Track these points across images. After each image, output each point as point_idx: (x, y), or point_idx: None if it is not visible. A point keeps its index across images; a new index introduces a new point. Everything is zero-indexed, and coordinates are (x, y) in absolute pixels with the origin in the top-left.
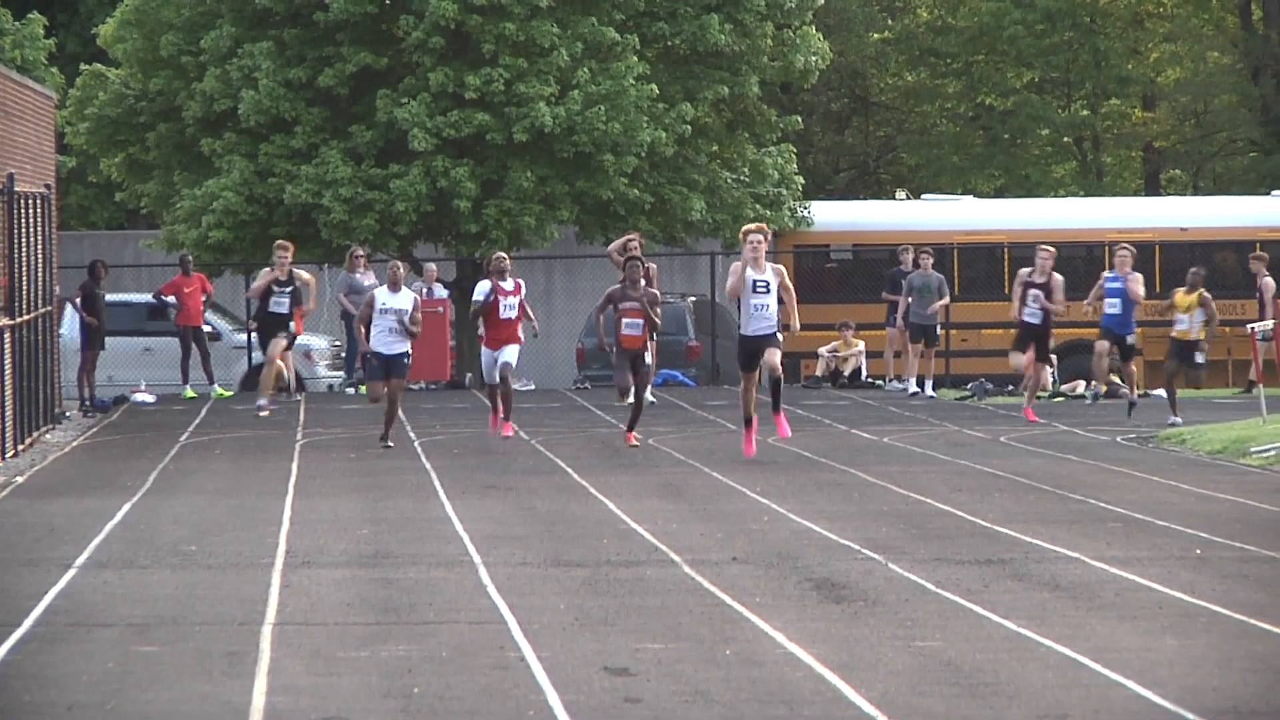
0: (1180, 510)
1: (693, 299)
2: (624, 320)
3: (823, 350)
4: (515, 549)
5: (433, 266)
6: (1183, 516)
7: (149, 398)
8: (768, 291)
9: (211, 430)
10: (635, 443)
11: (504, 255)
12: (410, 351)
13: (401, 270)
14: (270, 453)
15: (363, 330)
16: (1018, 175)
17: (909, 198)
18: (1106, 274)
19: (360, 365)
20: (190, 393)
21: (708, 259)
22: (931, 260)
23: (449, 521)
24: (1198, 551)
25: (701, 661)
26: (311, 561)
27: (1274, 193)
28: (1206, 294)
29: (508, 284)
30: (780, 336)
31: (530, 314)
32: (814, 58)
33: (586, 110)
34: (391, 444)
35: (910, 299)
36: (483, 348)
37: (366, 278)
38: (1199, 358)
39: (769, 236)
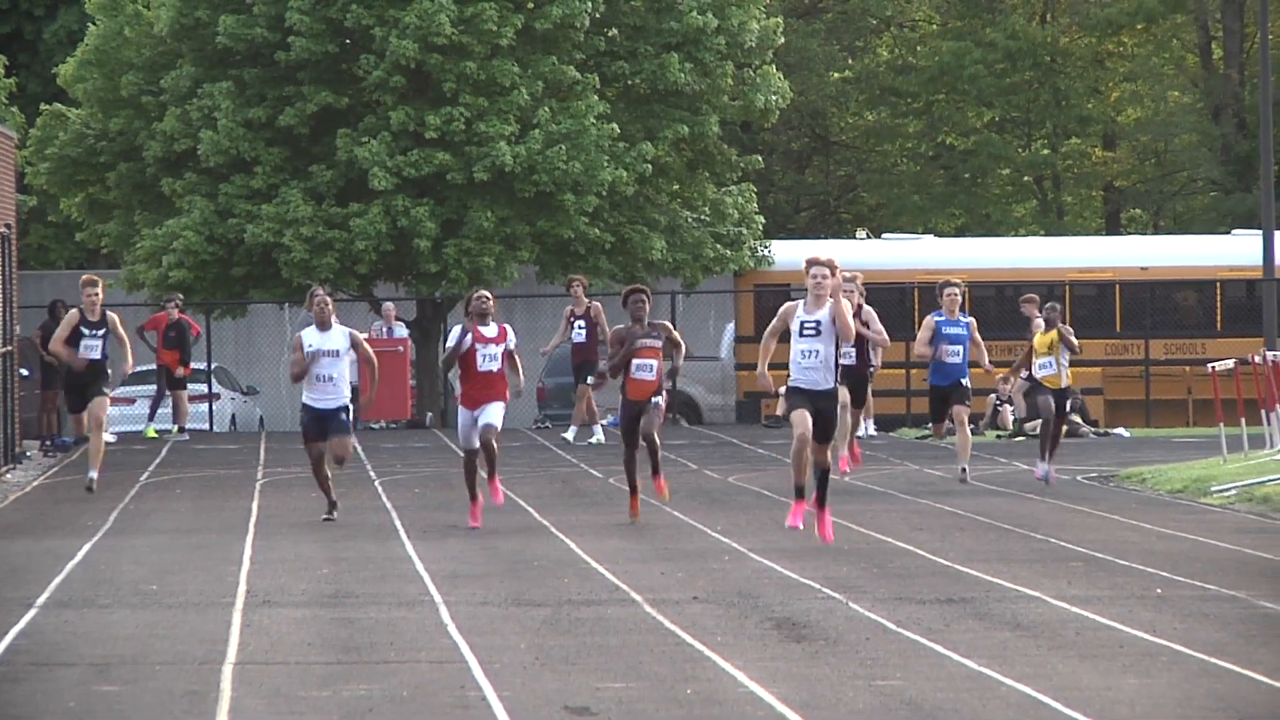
0: (1141, 549)
1: None
2: (634, 363)
3: (783, 390)
4: (476, 588)
5: (390, 305)
6: (1143, 555)
7: (110, 437)
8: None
9: (172, 469)
10: (666, 494)
11: (487, 295)
12: (350, 406)
13: (329, 305)
14: (231, 492)
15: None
16: (978, 214)
17: (869, 237)
18: (938, 317)
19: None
20: (151, 432)
21: (668, 298)
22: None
23: (410, 561)
24: (1158, 591)
25: (663, 701)
26: (272, 601)
27: (1234, 232)
28: (1066, 328)
29: (489, 329)
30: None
31: (518, 366)
32: (774, 97)
33: (547, 149)
34: (335, 516)
35: None
36: (460, 408)
37: None
38: (1068, 405)
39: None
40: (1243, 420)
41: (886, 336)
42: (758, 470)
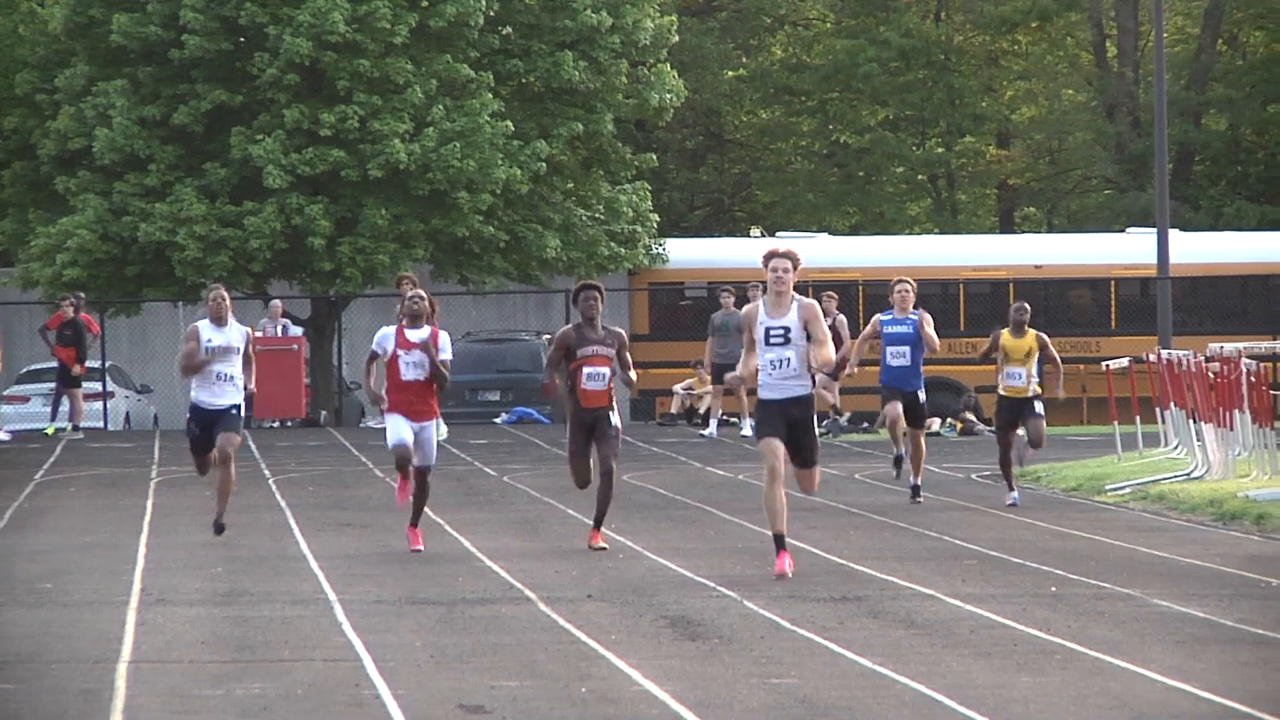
0: (1036, 547)
1: (548, 336)
2: (584, 371)
3: (677, 388)
4: (370, 586)
5: (278, 304)
6: (1038, 554)
7: (4, 435)
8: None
9: (67, 468)
10: (603, 544)
11: (421, 294)
12: (240, 405)
13: (227, 301)
14: (126, 490)
15: (192, 368)
16: (873, 213)
17: (764, 235)
18: (882, 316)
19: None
20: (51, 430)
21: (563, 296)
22: (733, 300)
23: (304, 559)
24: (1053, 589)
25: (557, 699)
26: (167, 599)
27: (1129, 230)
28: (1042, 335)
29: (417, 333)
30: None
31: (445, 372)
32: (669, 95)
33: (441, 147)
34: (225, 526)
35: (713, 338)
36: (387, 414)
37: None
38: (1039, 406)
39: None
40: (1137, 418)
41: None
42: (653, 469)
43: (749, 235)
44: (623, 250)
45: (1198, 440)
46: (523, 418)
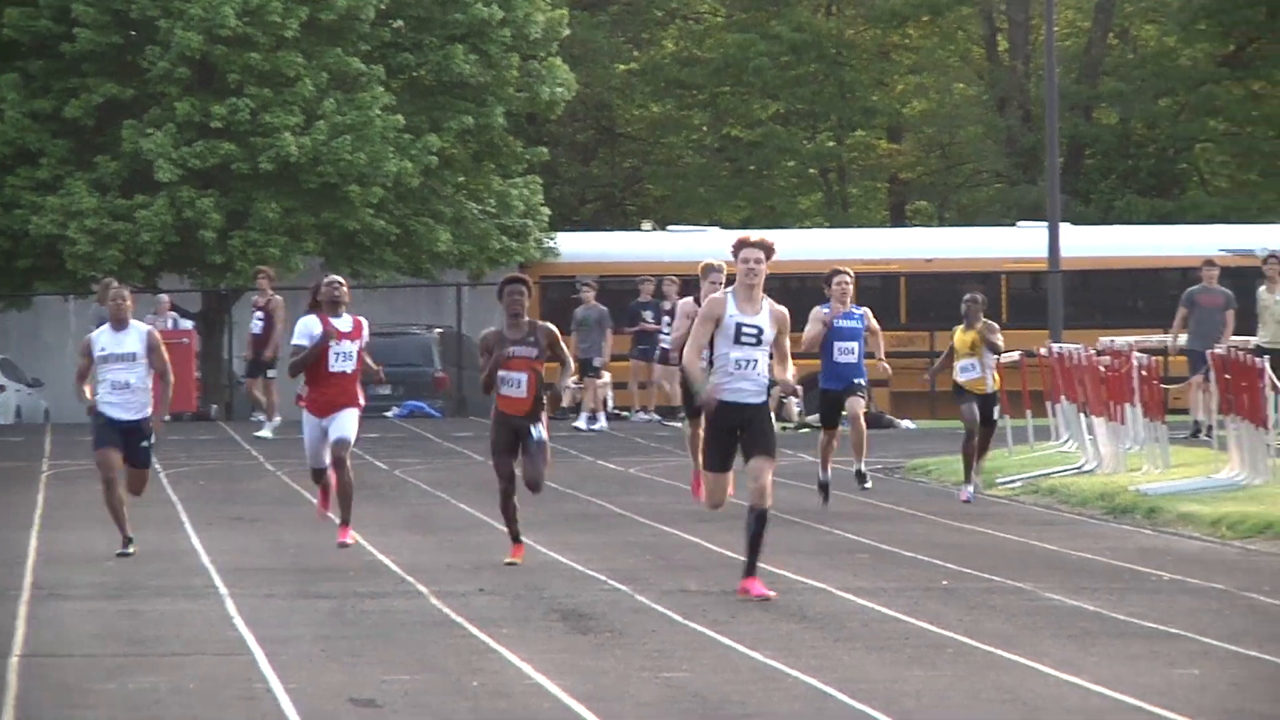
0: (927, 541)
1: (439, 330)
2: (500, 375)
3: (570, 381)
4: (262, 581)
5: (164, 298)
6: (930, 547)
7: None
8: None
9: None
10: (520, 559)
11: (339, 280)
12: (149, 418)
13: (127, 301)
14: (15, 484)
15: (86, 390)
16: (764, 206)
17: (655, 229)
18: (825, 309)
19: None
20: None
21: (454, 290)
22: (593, 293)
23: (195, 553)
24: (945, 582)
25: (449, 693)
26: (58, 594)
27: (1020, 224)
28: (989, 325)
29: (342, 322)
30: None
31: (372, 363)
32: (560, 89)
33: (332, 141)
34: (132, 551)
35: (576, 334)
36: (304, 413)
37: None
38: (995, 412)
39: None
40: (1028, 412)
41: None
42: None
43: (640, 229)
44: (514, 244)
45: (1089, 434)
46: (414, 412)
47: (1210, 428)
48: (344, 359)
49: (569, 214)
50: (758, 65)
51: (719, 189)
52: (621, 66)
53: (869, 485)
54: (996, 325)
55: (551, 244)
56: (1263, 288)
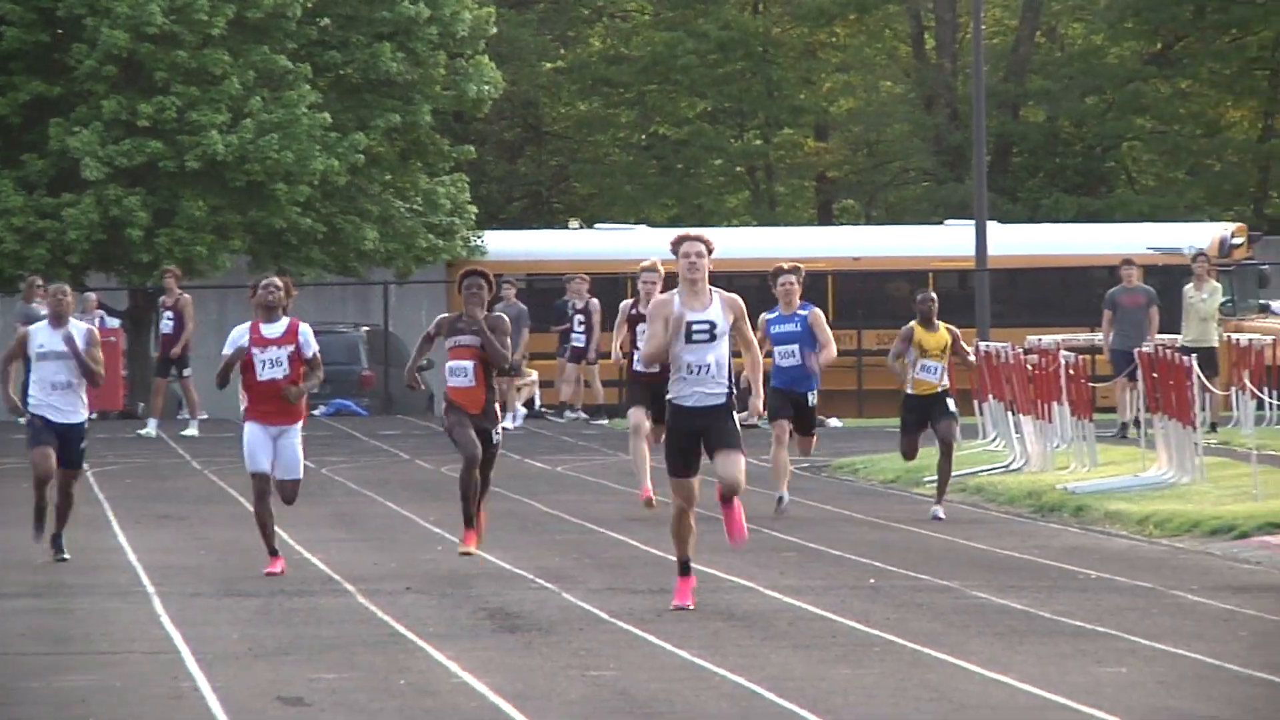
0: (854, 539)
1: (366, 328)
2: (448, 365)
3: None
4: (189, 579)
5: (91, 296)
6: (857, 546)
7: None
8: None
9: None
10: (473, 548)
11: (277, 283)
12: (85, 424)
13: (68, 297)
14: None
15: (8, 391)
16: (691, 205)
17: (582, 227)
18: (768, 314)
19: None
20: None
21: (381, 289)
22: (514, 291)
23: (122, 551)
24: (872, 581)
25: (376, 691)
26: None
27: (947, 222)
28: (953, 329)
29: (274, 327)
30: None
31: (317, 376)
32: (486, 87)
33: (259, 139)
34: (67, 555)
35: None
36: (246, 422)
37: (44, 307)
38: (951, 404)
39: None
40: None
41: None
42: None
43: (567, 227)
44: (441, 242)
45: (1016, 432)
46: (340, 410)
47: (1129, 425)
48: (272, 366)
49: (496, 212)
50: (685, 63)
51: (646, 187)
52: (548, 65)
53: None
54: (956, 330)
55: (478, 242)
56: (1189, 286)
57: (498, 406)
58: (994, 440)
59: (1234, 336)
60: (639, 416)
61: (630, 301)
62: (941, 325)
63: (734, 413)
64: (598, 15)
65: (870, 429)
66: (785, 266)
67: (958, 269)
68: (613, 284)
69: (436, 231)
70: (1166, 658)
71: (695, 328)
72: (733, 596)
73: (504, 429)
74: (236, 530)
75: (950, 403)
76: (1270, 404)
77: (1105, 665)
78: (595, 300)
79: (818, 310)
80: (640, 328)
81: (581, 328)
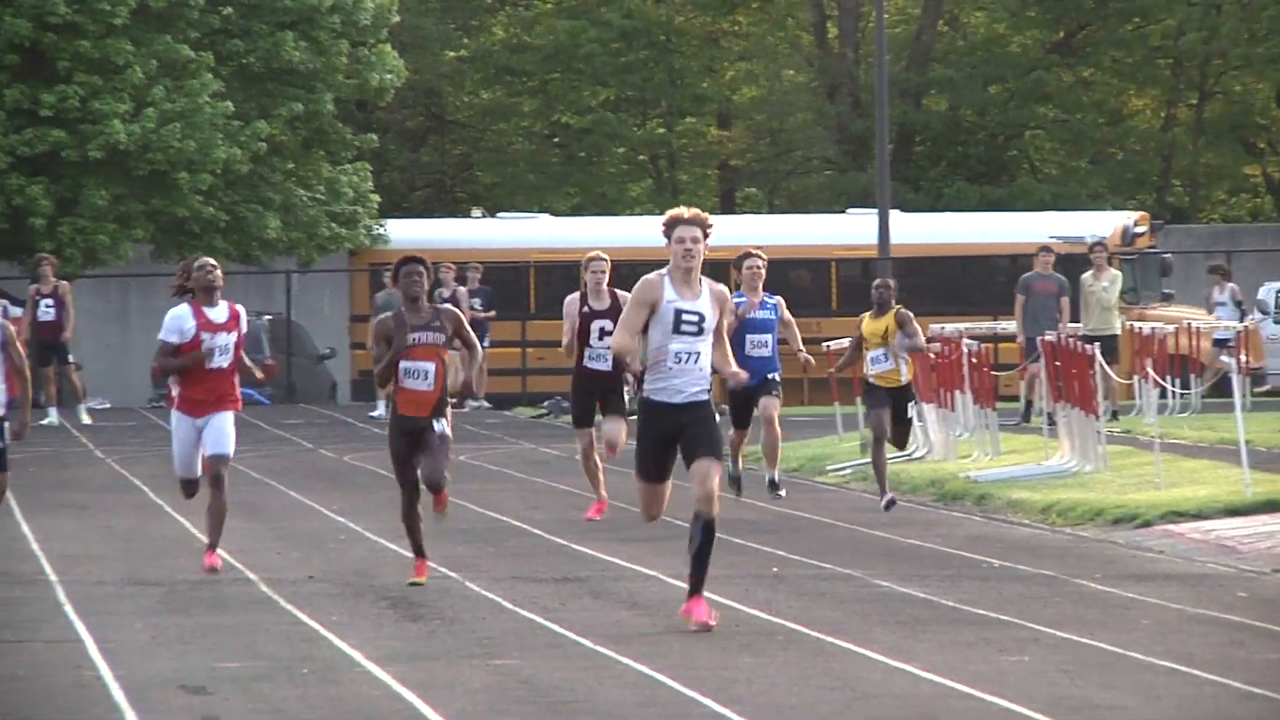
0: (758, 528)
1: (269, 317)
2: (402, 366)
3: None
4: (92, 567)
5: None
6: (760, 534)
7: None
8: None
9: None
10: (424, 578)
11: (212, 263)
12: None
13: None
14: None
15: None
16: (594, 193)
17: (485, 216)
18: (739, 298)
19: None
20: None
21: (283, 277)
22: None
23: (25, 540)
24: (775, 570)
25: (279, 680)
26: None
27: (849, 211)
28: (905, 311)
29: (217, 312)
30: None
31: (249, 361)
32: (389, 75)
33: (161, 128)
34: None
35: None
36: (173, 413)
37: None
38: (912, 409)
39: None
40: (859, 399)
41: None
42: (372, 449)
43: (470, 216)
44: (343, 231)
45: (919, 421)
46: (243, 398)
47: (1029, 408)
48: (220, 353)
49: (399, 201)
50: (588, 52)
51: (549, 176)
52: (451, 53)
53: (783, 494)
54: (911, 315)
55: (381, 231)
56: (1088, 275)
57: (446, 407)
58: None
59: (1137, 325)
60: (587, 441)
61: (576, 296)
62: (892, 311)
63: (715, 415)
64: (501, 4)
65: (783, 417)
66: (752, 250)
67: (860, 258)
68: (515, 272)
69: (339, 220)
70: (1069, 646)
71: (685, 317)
72: (635, 585)
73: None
74: (140, 519)
75: (910, 407)
76: (1172, 393)
77: (1008, 654)
78: (463, 289)
79: (780, 300)
80: (595, 324)
81: None
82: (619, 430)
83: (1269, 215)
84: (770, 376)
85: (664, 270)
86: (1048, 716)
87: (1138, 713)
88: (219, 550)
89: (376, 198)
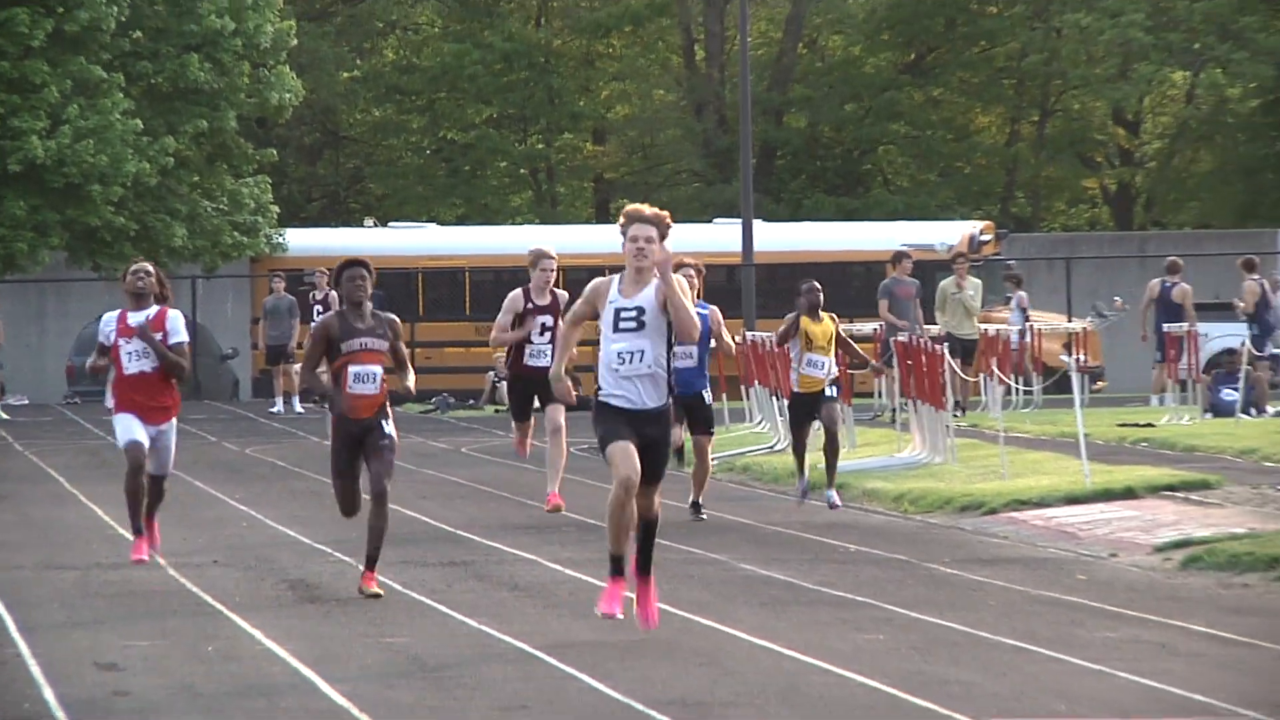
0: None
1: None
2: (350, 370)
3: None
4: (11, 554)
5: None
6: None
7: None
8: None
9: None
10: (378, 589)
11: (147, 269)
12: None
13: None
14: None
15: None
16: (478, 204)
17: (377, 225)
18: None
19: None
20: None
21: (189, 282)
22: (284, 285)
23: None
24: None
25: (185, 657)
26: None
27: (716, 220)
28: (834, 316)
29: (138, 315)
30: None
31: (177, 358)
32: (288, 95)
33: (76, 143)
34: None
35: (265, 321)
36: (115, 414)
37: None
38: (831, 391)
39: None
40: (724, 395)
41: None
42: (273, 443)
43: (363, 225)
44: (245, 239)
45: (780, 415)
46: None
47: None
48: (138, 358)
49: (296, 211)
50: (472, 73)
51: (436, 188)
52: (345, 74)
53: (704, 518)
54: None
55: (280, 239)
56: (948, 281)
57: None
58: (760, 423)
59: (983, 326)
60: (523, 434)
61: (520, 291)
62: (826, 316)
63: (671, 427)
64: (391, 28)
65: None
66: (687, 260)
67: (726, 264)
68: (405, 278)
69: (241, 229)
70: (921, 625)
71: (623, 315)
72: (517, 568)
73: (272, 412)
74: (55, 508)
75: (830, 389)
76: (1016, 389)
77: (864, 632)
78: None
79: (714, 309)
80: (536, 320)
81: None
82: (558, 412)
83: (1106, 225)
84: (702, 395)
85: (618, 275)
86: (900, 691)
87: (984, 688)
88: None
89: (276, 208)
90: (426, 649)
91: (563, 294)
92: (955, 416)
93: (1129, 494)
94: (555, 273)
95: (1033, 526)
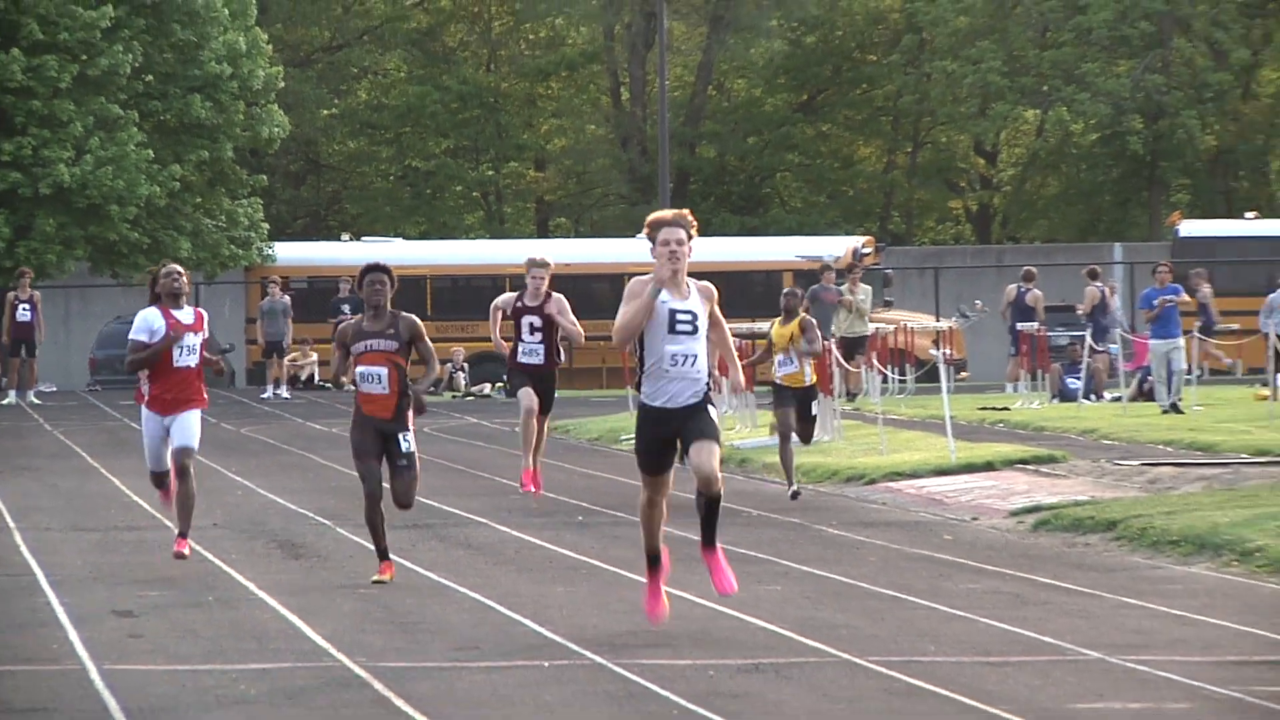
0: (567, 485)
1: None
2: (359, 370)
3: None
4: (42, 518)
5: None
6: (568, 490)
7: None
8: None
9: None
10: (389, 576)
11: (179, 270)
12: None
13: None
14: None
15: None
16: (438, 222)
17: (352, 239)
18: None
19: None
20: None
21: (193, 288)
22: (279, 288)
23: None
24: (580, 518)
25: (189, 605)
26: None
27: (639, 235)
28: (809, 318)
29: (185, 314)
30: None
31: (212, 354)
32: (276, 129)
33: (97, 170)
34: None
35: (262, 321)
36: (143, 410)
37: None
38: (815, 407)
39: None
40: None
41: (580, 329)
42: (264, 424)
43: (340, 239)
44: (240, 251)
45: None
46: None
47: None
48: (188, 353)
49: (284, 227)
50: (432, 111)
51: (402, 208)
52: (325, 111)
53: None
54: (815, 322)
55: (270, 251)
56: (844, 287)
57: (409, 413)
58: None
59: (873, 326)
60: (529, 400)
61: (511, 296)
62: (796, 320)
63: (710, 405)
64: (364, 73)
65: (578, 399)
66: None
67: (647, 271)
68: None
69: (237, 243)
70: (812, 578)
71: (680, 318)
72: (470, 530)
73: (265, 398)
74: (80, 479)
75: (815, 406)
76: (892, 378)
77: (764, 584)
78: (287, 297)
79: (562, 298)
80: (526, 320)
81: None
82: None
83: (968, 239)
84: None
85: (648, 276)
86: (795, 633)
87: (865, 631)
88: (189, 539)
89: (266, 225)
90: (394, 599)
91: (558, 297)
92: (842, 400)
93: (988, 467)
94: (546, 280)
95: (906, 495)
